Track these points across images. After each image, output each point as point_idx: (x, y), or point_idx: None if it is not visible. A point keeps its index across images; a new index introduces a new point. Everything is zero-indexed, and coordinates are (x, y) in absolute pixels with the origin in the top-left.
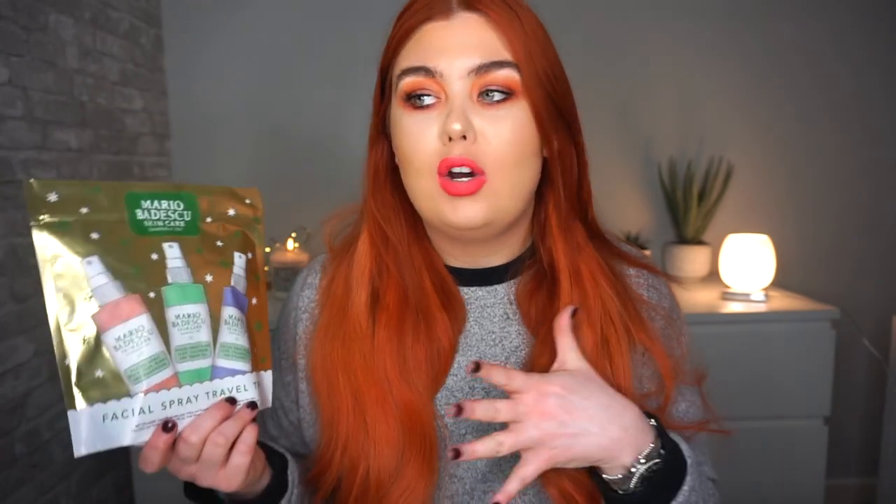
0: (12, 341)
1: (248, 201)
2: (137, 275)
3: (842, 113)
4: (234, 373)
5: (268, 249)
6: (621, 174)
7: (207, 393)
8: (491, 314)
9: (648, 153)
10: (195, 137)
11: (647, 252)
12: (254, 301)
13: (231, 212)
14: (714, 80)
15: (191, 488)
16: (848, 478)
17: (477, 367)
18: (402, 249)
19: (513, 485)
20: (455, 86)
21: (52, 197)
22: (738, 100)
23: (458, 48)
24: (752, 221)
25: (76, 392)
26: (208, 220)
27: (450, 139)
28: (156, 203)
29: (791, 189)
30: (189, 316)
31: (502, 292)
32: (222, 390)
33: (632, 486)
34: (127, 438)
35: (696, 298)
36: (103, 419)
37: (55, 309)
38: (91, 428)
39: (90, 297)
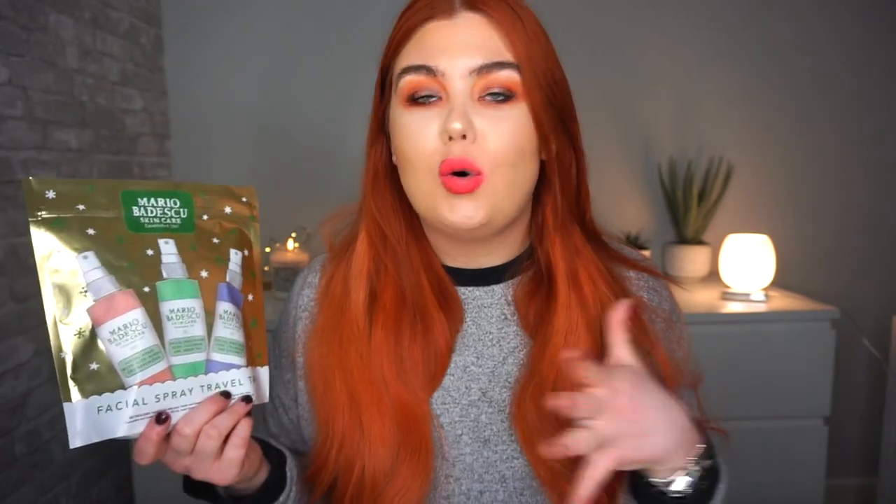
0: (12, 341)
1: (244, 199)
2: (132, 270)
3: (842, 113)
4: (228, 367)
5: (268, 249)
6: (621, 174)
7: (202, 386)
8: (488, 314)
9: (648, 153)
10: (195, 137)
11: (647, 252)
12: (250, 297)
13: (227, 209)
14: (714, 80)
15: (189, 483)
16: (848, 478)
17: (572, 357)
18: (401, 249)
19: (586, 489)
20: (456, 85)
21: (50, 194)
22: (738, 100)
23: (460, 48)
24: (752, 221)
25: (71, 385)
26: (204, 217)
27: (450, 138)
28: (152, 201)
29: (791, 189)
30: (183, 311)
31: (500, 293)
32: (217, 384)
33: (684, 487)
34: (121, 430)
35: (696, 298)
36: (98, 411)
37: (51, 303)
38: (86, 420)
39: (85, 292)
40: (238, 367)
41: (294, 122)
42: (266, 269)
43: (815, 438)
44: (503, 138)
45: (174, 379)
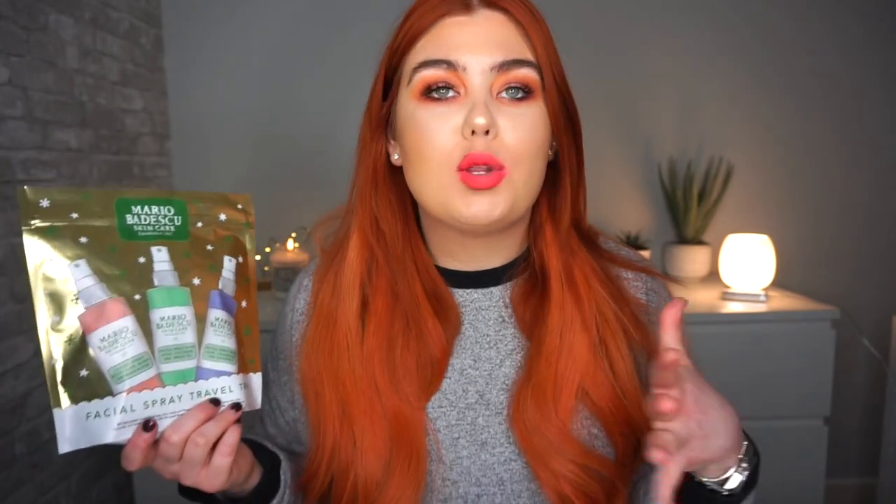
0: (12, 341)
1: (239, 206)
2: (123, 278)
3: (842, 113)
4: (219, 374)
5: (268, 249)
6: (621, 174)
7: (192, 393)
8: (486, 317)
9: (648, 153)
10: (195, 137)
11: (647, 252)
12: (243, 304)
13: (222, 217)
14: (714, 79)
15: (184, 486)
16: (848, 478)
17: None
18: (397, 250)
19: (666, 495)
20: (476, 80)
21: (44, 203)
22: (738, 100)
23: (481, 44)
24: (752, 221)
25: (61, 391)
26: (199, 224)
27: (472, 133)
28: (146, 209)
29: (791, 189)
30: (174, 318)
31: (497, 295)
32: (207, 391)
33: (737, 485)
34: (109, 436)
35: (696, 298)
36: (87, 417)
37: (43, 311)
38: (75, 425)
39: (76, 300)
40: (229, 374)
41: (294, 122)
42: (266, 269)
43: (815, 438)
44: (523, 135)
45: (163, 386)
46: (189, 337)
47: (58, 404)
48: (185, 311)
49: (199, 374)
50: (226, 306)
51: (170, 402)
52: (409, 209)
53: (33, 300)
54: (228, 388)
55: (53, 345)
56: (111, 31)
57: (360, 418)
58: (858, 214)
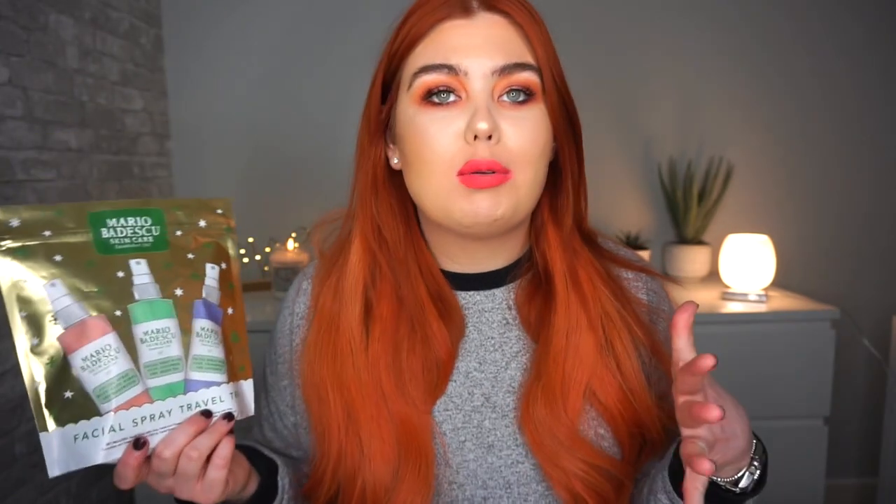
0: (12, 341)
1: (219, 211)
2: (102, 294)
3: (842, 113)
4: (208, 384)
5: (268, 249)
6: (621, 174)
7: (181, 406)
8: (490, 319)
9: (648, 153)
10: (195, 137)
11: (647, 252)
12: (229, 311)
13: (202, 223)
14: (714, 79)
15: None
16: (848, 478)
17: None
18: (399, 254)
19: (699, 499)
20: (477, 85)
21: (14, 222)
22: (738, 99)
23: (482, 48)
24: (752, 221)
25: (46, 414)
26: (178, 233)
27: (475, 138)
28: (121, 220)
29: (791, 189)
30: (158, 332)
31: (500, 297)
32: (197, 403)
33: (747, 485)
34: (99, 457)
35: (696, 298)
36: (74, 439)
37: (21, 333)
38: (63, 449)
39: (55, 320)
40: (218, 384)
41: (295, 122)
42: (266, 269)
43: (815, 438)
44: (525, 138)
45: (152, 401)
46: (175, 350)
47: (44, 428)
48: (170, 324)
49: (187, 386)
50: (211, 315)
51: (160, 417)
52: (411, 212)
53: (10, 323)
54: (219, 398)
55: (35, 368)
56: (111, 31)
57: (367, 424)
58: (858, 214)
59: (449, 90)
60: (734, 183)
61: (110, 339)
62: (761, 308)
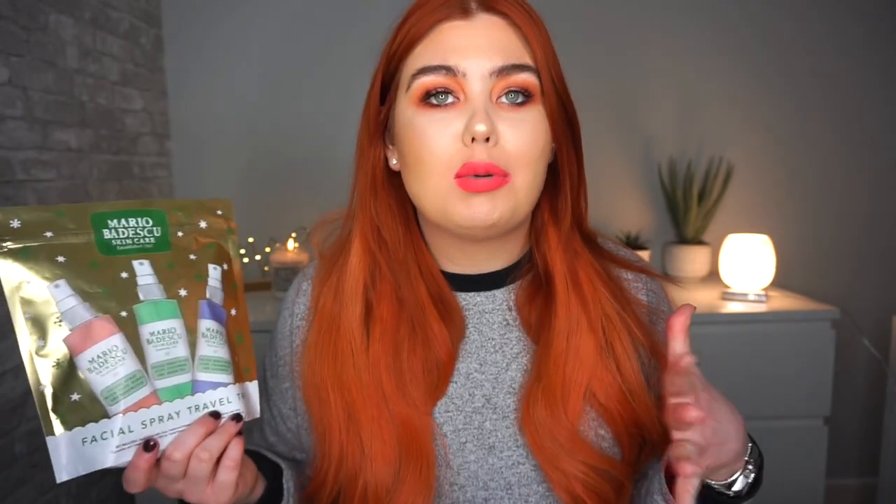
0: (12, 341)
1: (219, 212)
2: (107, 295)
3: (842, 113)
4: (216, 385)
5: (268, 249)
6: (621, 174)
7: (189, 408)
8: (490, 320)
9: (648, 153)
10: (195, 137)
11: (647, 252)
12: (233, 312)
13: (203, 224)
14: (714, 79)
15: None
16: (848, 478)
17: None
18: (399, 255)
19: (687, 501)
20: (476, 86)
21: (15, 223)
22: (739, 99)
23: (480, 49)
24: (752, 221)
25: (53, 418)
26: (179, 234)
27: (472, 140)
28: (123, 221)
29: (791, 189)
30: (164, 332)
31: (501, 298)
32: (205, 404)
33: (741, 488)
34: (108, 460)
35: (696, 298)
36: (83, 442)
37: (25, 336)
38: (71, 452)
39: (60, 322)
40: (225, 384)
41: (294, 122)
42: (266, 269)
43: (815, 438)
44: (524, 140)
45: (160, 403)
46: (181, 350)
47: (51, 432)
48: (175, 324)
49: (195, 387)
50: (215, 315)
51: (168, 418)
52: (410, 213)
53: (14, 326)
54: (227, 399)
55: (40, 370)
56: (111, 31)
57: (368, 425)
58: (858, 214)
59: (447, 91)
60: (734, 183)
61: (117, 340)
62: (761, 308)
